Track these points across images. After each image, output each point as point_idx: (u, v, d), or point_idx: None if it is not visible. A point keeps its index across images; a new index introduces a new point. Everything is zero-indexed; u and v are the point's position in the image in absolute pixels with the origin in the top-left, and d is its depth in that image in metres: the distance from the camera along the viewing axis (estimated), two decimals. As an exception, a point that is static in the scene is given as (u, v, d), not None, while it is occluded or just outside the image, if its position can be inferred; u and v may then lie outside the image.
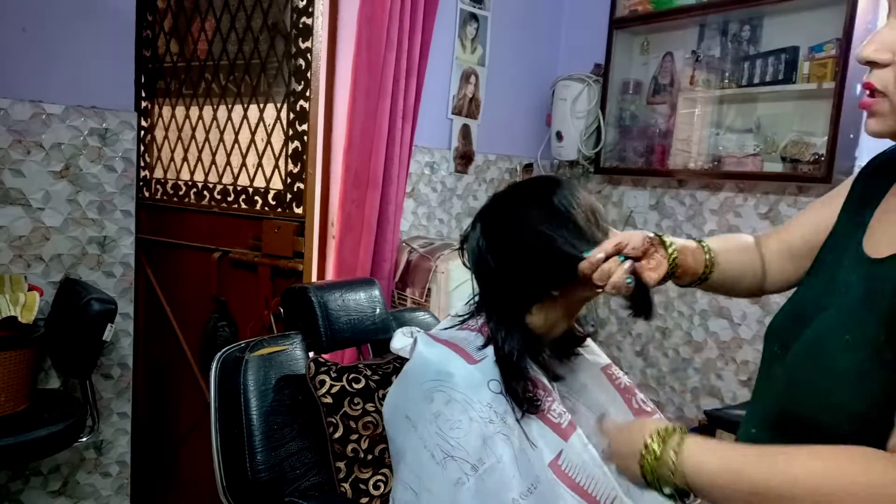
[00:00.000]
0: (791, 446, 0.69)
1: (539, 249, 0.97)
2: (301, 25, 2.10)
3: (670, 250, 0.94)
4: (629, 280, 0.89)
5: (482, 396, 0.97)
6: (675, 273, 0.94)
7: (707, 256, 0.97)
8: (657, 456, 0.72)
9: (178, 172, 2.53)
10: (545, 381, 1.02)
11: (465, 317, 1.13)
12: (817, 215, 0.95)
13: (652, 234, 0.94)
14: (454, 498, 0.93)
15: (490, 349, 1.02)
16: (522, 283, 1.02)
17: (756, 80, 2.18)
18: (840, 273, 0.80)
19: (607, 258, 0.90)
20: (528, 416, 0.96)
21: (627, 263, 0.90)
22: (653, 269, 0.92)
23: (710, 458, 0.70)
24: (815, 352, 0.75)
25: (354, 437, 1.19)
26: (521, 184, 1.10)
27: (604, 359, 1.20)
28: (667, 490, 0.73)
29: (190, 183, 2.48)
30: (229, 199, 2.35)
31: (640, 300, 0.94)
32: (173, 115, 2.54)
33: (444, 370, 1.00)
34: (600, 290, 0.93)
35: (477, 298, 1.15)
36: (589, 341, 1.21)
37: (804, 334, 0.78)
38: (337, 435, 1.18)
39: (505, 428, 0.95)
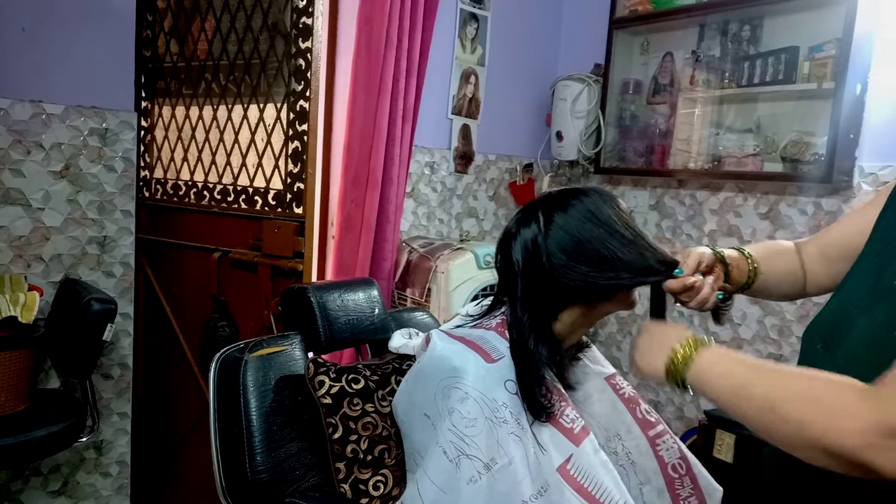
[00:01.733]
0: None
1: (621, 260, 0.99)
2: (301, 25, 2.10)
3: (727, 260, 1.04)
4: (720, 295, 1.00)
5: (498, 396, 0.97)
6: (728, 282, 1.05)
7: (750, 265, 1.06)
8: (683, 358, 0.86)
9: (178, 172, 2.53)
10: (560, 387, 1.02)
11: (478, 316, 1.12)
12: (853, 221, 1.00)
13: (711, 250, 1.04)
14: (467, 496, 0.93)
15: (507, 349, 1.02)
16: (580, 288, 1.01)
17: (756, 80, 2.18)
18: (885, 276, 0.82)
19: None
20: (539, 422, 0.96)
21: (711, 279, 0.99)
22: (717, 281, 1.02)
23: (715, 369, 0.83)
24: (866, 350, 0.78)
25: (354, 437, 1.18)
26: (586, 190, 1.06)
27: (608, 368, 1.20)
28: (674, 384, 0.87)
29: (190, 183, 2.48)
30: (229, 199, 2.35)
31: (721, 310, 1.03)
32: (173, 115, 2.54)
33: (461, 367, 1.00)
34: (685, 303, 1.00)
35: (490, 297, 1.15)
36: (593, 348, 1.22)
37: (853, 335, 0.81)
38: (336, 435, 1.18)
39: (518, 429, 0.95)
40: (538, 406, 0.96)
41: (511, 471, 0.93)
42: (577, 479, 0.93)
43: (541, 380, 0.98)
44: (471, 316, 1.14)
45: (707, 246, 1.05)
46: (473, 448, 0.94)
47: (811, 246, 1.08)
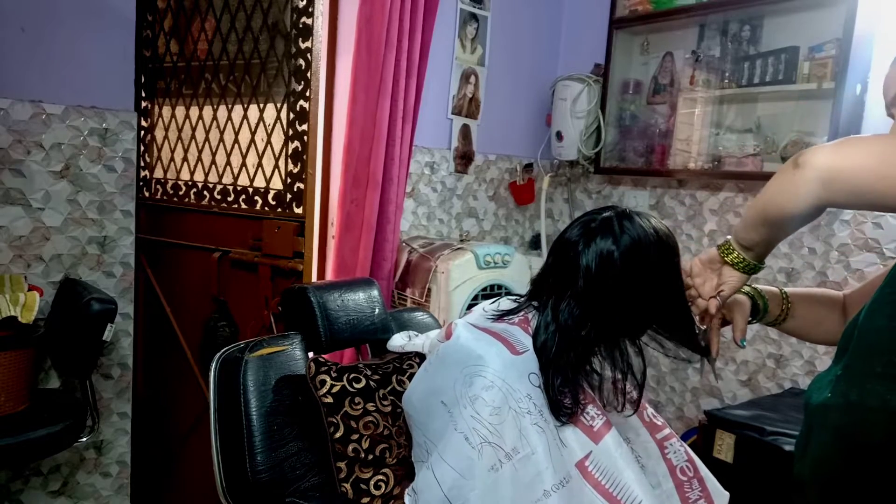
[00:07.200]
0: None
1: (669, 322, 1.08)
2: (301, 25, 2.10)
3: (765, 297, 1.14)
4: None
5: (521, 386, 0.98)
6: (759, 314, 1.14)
7: (784, 304, 1.14)
8: (729, 248, 1.00)
9: (178, 172, 2.53)
10: (585, 385, 1.03)
11: (500, 313, 1.12)
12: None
13: (749, 297, 1.13)
14: (487, 483, 0.94)
15: (531, 343, 1.03)
16: (635, 316, 1.05)
17: (756, 80, 2.18)
18: None
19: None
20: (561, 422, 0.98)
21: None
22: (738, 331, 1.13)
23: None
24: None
25: (355, 436, 1.18)
26: (659, 221, 1.08)
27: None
28: (740, 262, 0.99)
29: (190, 183, 2.48)
30: (229, 199, 2.35)
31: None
32: (173, 115, 2.54)
33: (486, 356, 1.01)
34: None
35: (505, 297, 1.16)
36: None
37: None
38: (338, 435, 1.18)
39: (541, 420, 0.96)
40: (561, 407, 0.97)
41: (534, 460, 0.94)
42: (595, 476, 0.95)
43: (570, 380, 0.99)
44: (493, 311, 1.14)
45: (751, 289, 1.13)
46: (496, 436, 0.95)
47: (856, 295, 1.14)
